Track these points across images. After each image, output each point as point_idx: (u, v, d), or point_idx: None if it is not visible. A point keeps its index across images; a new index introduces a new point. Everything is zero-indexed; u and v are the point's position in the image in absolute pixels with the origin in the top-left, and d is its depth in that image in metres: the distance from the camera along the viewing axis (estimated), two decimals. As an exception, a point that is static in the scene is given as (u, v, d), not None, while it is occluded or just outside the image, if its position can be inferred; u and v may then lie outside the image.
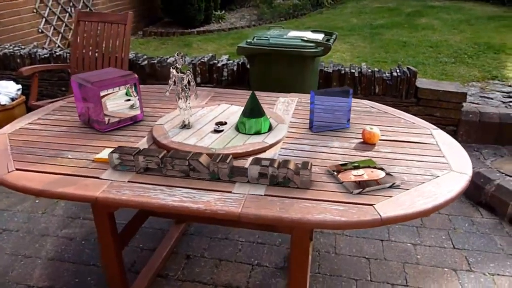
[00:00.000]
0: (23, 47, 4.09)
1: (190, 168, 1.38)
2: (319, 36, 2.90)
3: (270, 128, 1.72)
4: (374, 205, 1.23)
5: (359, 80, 3.25)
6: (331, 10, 8.79)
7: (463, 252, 2.27)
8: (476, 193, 2.70)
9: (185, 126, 1.74)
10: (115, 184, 1.35)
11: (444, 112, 3.21)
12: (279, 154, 1.55)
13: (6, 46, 4.13)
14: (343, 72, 3.26)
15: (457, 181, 1.37)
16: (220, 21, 7.99)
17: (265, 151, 1.57)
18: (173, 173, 1.40)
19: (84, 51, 3.24)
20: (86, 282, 2.08)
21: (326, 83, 3.30)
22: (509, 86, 4.16)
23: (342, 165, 1.45)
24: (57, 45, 5.87)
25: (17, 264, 2.20)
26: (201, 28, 7.48)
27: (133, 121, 1.86)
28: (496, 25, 6.68)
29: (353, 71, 3.27)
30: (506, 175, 2.74)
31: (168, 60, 3.56)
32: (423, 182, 1.36)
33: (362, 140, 1.66)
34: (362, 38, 6.22)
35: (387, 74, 3.27)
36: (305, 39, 2.78)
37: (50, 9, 5.72)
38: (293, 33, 2.95)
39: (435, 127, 1.82)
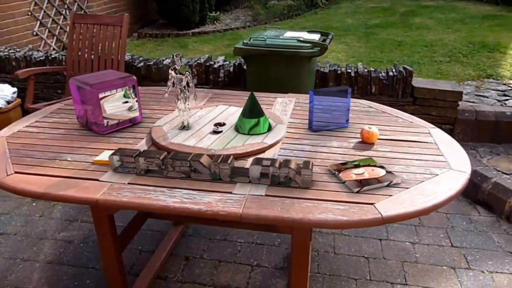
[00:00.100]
0: (18, 50, 4.07)
1: (191, 169, 1.38)
2: (316, 37, 2.90)
3: (269, 129, 1.72)
4: (374, 204, 1.23)
5: (356, 80, 3.26)
6: (325, 10, 8.81)
7: (462, 250, 2.28)
8: (473, 191, 2.71)
9: (184, 127, 1.74)
10: (115, 186, 1.35)
11: (441, 111, 3.22)
12: (278, 154, 1.56)
13: (1, 49, 4.10)
14: (339, 72, 3.27)
15: (456, 179, 1.38)
16: (215, 22, 7.99)
17: (264, 151, 1.57)
18: (174, 175, 1.40)
19: (80, 53, 3.23)
20: (86, 285, 2.07)
21: (322, 83, 3.31)
22: (504, 84, 4.19)
23: (342, 164, 1.46)
24: (52, 48, 5.85)
25: (16, 268, 2.18)
26: (196, 30, 7.47)
27: (132, 123, 1.85)
28: (490, 24, 6.72)
29: (350, 71, 3.28)
30: (502, 173, 2.76)
31: (164, 62, 3.55)
32: (423, 181, 1.37)
33: (361, 140, 1.67)
34: (357, 38, 6.24)
35: (383, 74, 3.28)
36: (302, 39, 2.79)
37: (44, 11, 5.69)
38: (290, 34, 2.96)
39: (433, 126, 1.83)
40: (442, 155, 1.55)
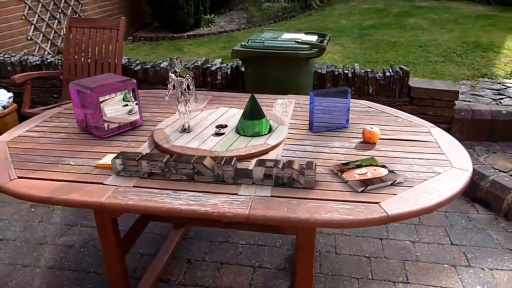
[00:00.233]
0: (13, 54, 4.05)
1: (195, 171, 1.38)
2: (313, 38, 2.92)
3: (271, 130, 1.73)
4: (380, 203, 1.24)
5: (353, 80, 3.28)
6: (319, 12, 8.85)
7: (461, 248, 2.30)
8: (471, 190, 2.73)
9: (185, 130, 1.74)
10: (120, 189, 1.35)
11: (437, 110, 3.25)
12: (281, 156, 1.56)
13: (-4, 54, 4.08)
14: (336, 73, 3.29)
15: (458, 178, 1.39)
16: (210, 25, 7.99)
17: (267, 152, 1.58)
18: (177, 177, 1.40)
19: (76, 57, 3.22)
20: (88, 289, 2.07)
21: (320, 84, 3.33)
22: (499, 83, 4.23)
23: (344, 164, 1.46)
24: (46, 52, 5.82)
25: (16, 273, 2.17)
26: (191, 32, 7.47)
27: (133, 126, 1.85)
28: (483, 24, 6.79)
29: (347, 71, 3.29)
30: (499, 171, 2.79)
31: (161, 65, 3.55)
32: (426, 179, 1.38)
33: (362, 140, 1.68)
34: (352, 39, 6.27)
35: (380, 74, 3.30)
36: (299, 41, 2.80)
37: (39, 15, 5.67)
38: (287, 36, 2.97)
39: (432, 125, 1.84)
40: (443, 153, 1.56)
